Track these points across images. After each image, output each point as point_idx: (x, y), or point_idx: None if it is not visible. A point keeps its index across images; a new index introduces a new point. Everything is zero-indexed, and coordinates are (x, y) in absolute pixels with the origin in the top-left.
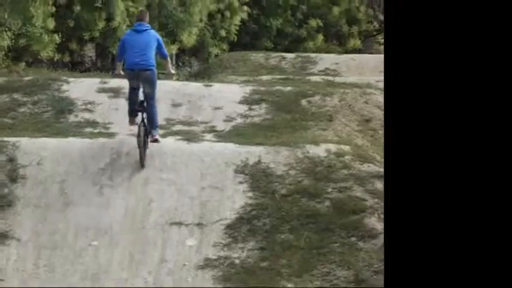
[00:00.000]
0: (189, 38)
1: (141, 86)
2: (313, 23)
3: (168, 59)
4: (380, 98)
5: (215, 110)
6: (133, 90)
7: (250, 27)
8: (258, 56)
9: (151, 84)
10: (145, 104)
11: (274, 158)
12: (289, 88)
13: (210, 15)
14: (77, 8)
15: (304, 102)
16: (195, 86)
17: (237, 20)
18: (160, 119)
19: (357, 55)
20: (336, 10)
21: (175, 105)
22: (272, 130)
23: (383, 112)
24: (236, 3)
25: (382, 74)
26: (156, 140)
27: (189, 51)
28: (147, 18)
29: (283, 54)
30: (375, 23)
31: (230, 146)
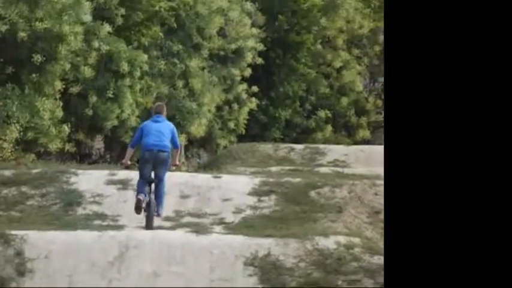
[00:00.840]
0: (198, 129)
1: (151, 174)
2: (322, 113)
3: (179, 149)
4: None
5: (224, 201)
6: (144, 181)
7: (259, 118)
8: (266, 147)
9: (165, 166)
10: (153, 185)
11: (284, 250)
12: (298, 179)
13: (218, 107)
14: (93, 98)
15: (313, 193)
16: (204, 178)
17: (245, 112)
18: (169, 211)
19: (366, 146)
20: (344, 101)
21: (184, 196)
22: (281, 222)
23: None
24: (244, 95)
25: None
26: (159, 215)
27: (197, 143)
28: (165, 112)
29: (292, 145)
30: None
31: (239, 238)
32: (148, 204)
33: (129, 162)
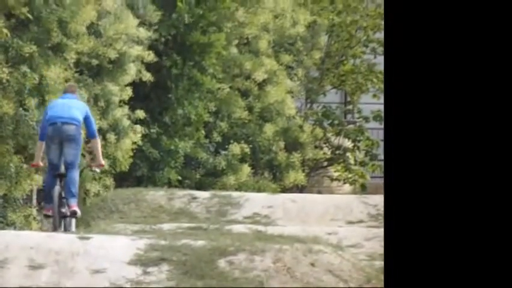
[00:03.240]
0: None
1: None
2: (236, 148)
3: (98, 140)
4: (332, 258)
5: (94, 274)
6: (52, 174)
7: (147, 153)
8: (157, 195)
9: (75, 144)
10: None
11: None
12: (201, 242)
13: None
14: None
15: (222, 263)
16: (65, 239)
17: (127, 145)
18: None
19: (299, 195)
20: (268, 129)
21: (35, 267)
22: None
23: (336, 279)
24: (126, 122)
25: (335, 222)
26: (75, 212)
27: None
28: (76, 93)
29: (194, 192)
30: (326, 149)
31: None
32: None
33: (41, 163)
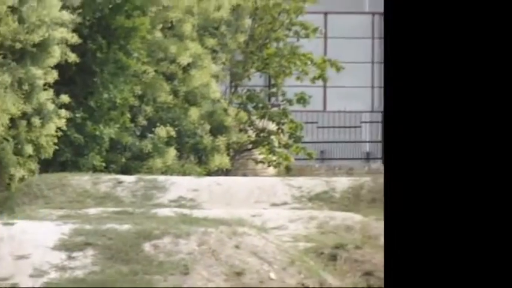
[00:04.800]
0: None
1: None
2: (162, 131)
3: None
4: (257, 240)
5: (18, 259)
6: None
7: (72, 138)
8: (82, 180)
9: None
10: None
11: None
12: (126, 226)
13: (12, 122)
14: None
15: (148, 246)
16: None
17: (51, 129)
18: None
19: (225, 178)
20: (194, 113)
21: None
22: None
23: (260, 261)
24: (50, 106)
25: (259, 204)
26: None
27: None
28: None
29: (119, 176)
30: (250, 132)
31: None
32: None
33: None
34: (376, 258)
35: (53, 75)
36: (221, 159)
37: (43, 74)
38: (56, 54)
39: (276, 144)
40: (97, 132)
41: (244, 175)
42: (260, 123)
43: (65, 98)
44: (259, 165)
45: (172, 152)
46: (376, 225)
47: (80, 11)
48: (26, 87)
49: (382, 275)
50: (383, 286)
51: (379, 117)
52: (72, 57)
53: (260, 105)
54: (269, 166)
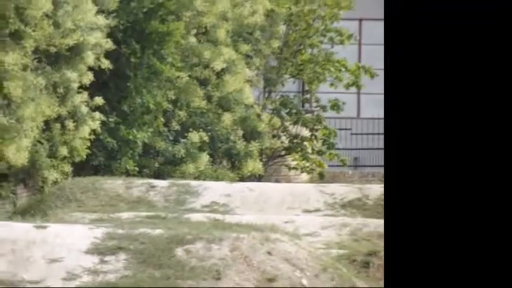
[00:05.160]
0: (17, 155)
1: None
2: (195, 136)
3: None
4: (289, 247)
5: (51, 263)
6: None
7: (105, 141)
8: (115, 184)
9: None
10: None
11: None
12: (159, 231)
13: (46, 124)
14: None
15: (180, 251)
16: (21, 228)
17: (85, 132)
18: None
19: (257, 184)
20: (227, 118)
21: None
22: None
23: (292, 267)
24: (84, 109)
25: (292, 211)
26: None
27: (13, 175)
28: None
29: (152, 181)
30: (284, 138)
31: None
32: None
33: None
34: None
35: (89, 77)
36: (254, 165)
37: (78, 77)
38: (90, 59)
39: (309, 150)
40: (130, 137)
41: (277, 181)
42: (293, 129)
43: (98, 100)
44: (292, 172)
45: (205, 157)
46: None
47: (115, 15)
48: (60, 90)
49: None
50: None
51: None
52: (106, 64)
53: (294, 111)
54: (302, 172)
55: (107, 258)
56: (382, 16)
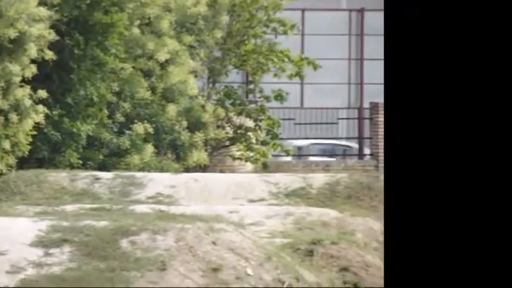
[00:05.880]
0: None
1: None
2: (140, 128)
3: None
4: (234, 236)
5: None
6: None
7: (49, 134)
8: (59, 176)
9: None
10: None
11: None
12: (104, 223)
13: None
14: None
15: (125, 243)
16: None
17: (28, 125)
18: None
19: (202, 174)
20: (171, 109)
21: None
22: (78, 284)
23: (237, 257)
24: (27, 102)
25: (236, 201)
26: None
27: None
28: None
29: (97, 173)
30: (228, 128)
31: None
32: None
33: None
34: (351, 254)
35: (32, 70)
36: (199, 156)
37: (20, 70)
38: (32, 51)
39: (254, 140)
40: (74, 129)
41: (222, 172)
42: (238, 120)
43: (42, 93)
44: (237, 162)
45: (149, 148)
46: (352, 221)
47: (57, 7)
48: (1, 83)
49: (357, 270)
50: (358, 281)
51: (355, 113)
52: (50, 55)
53: (238, 101)
54: (246, 162)
55: (51, 250)
56: (324, 6)
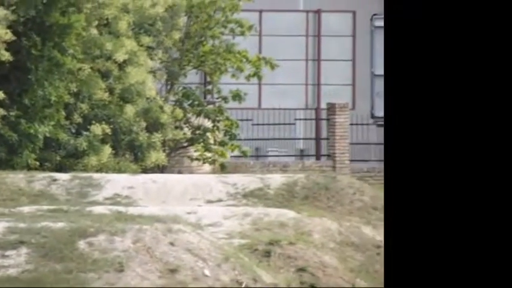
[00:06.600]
0: None
1: None
2: (97, 129)
3: None
4: (192, 237)
5: None
6: None
7: (6, 136)
8: (16, 178)
9: None
10: None
11: None
12: (61, 224)
13: None
14: None
15: (82, 244)
16: None
17: None
18: None
19: (160, 175)
20: (129, 110)
21: None
22: (35, 285)
23: (195, 258)
24: None
25: (194, 202)
26: None
27: None
28: None
29: (54, 174)
30: (186, 129)
31: None
32: None
33: None
34: (309, 254)
35: None
36: (157, 156)
37: None
38: None
39: (212, 141)
40: (31, 130)
41: (180, 172)
42: (196, 121)
43: None
44: (195, 163)
45: (107, 149)
46: (309, 222)
47: (14, 7)
48: None
49: (314, 271)
50: (315, 282)
51: (312, 114)
52: (6, 56)
53: (196, 102)
54: (204, 163)
55: (8, 252)
56: (281, 7)
